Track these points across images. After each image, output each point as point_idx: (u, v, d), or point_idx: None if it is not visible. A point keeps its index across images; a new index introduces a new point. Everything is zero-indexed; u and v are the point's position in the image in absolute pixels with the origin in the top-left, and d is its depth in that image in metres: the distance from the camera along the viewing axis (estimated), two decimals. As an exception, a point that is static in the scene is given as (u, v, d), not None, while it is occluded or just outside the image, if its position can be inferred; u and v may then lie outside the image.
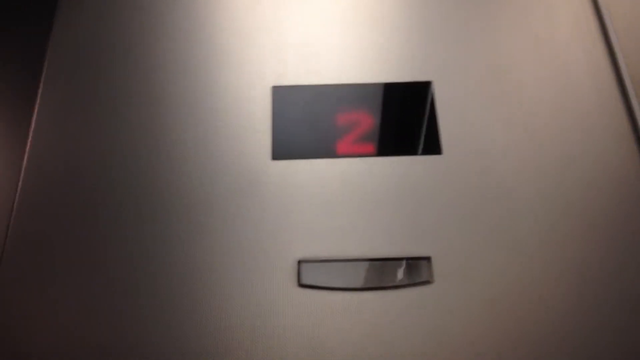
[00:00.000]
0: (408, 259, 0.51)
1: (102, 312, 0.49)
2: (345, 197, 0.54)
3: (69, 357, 0.48)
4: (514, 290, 0.50)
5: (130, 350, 0.48)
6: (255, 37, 0.63)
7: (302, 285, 0.50)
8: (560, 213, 0.53)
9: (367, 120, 0.59)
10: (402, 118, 0.59)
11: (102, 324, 0.49)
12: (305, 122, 0.59)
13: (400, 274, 0.51)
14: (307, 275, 0.51)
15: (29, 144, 0.57)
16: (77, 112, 0.59)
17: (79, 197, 0.54)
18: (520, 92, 0.59)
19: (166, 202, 0.54)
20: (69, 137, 0.57)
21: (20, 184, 0.55)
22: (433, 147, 0.57)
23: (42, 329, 0.49)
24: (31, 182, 0.55)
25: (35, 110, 0.59)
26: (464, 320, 0.49)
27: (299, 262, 0.51)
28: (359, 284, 0.50)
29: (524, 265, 0.51)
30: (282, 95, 0.60)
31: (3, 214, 0.54)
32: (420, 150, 0.57)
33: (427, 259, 0.51)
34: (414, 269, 0.51)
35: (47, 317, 0.50)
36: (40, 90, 0.60)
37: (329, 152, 0.57)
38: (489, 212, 0.53)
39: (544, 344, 0.48)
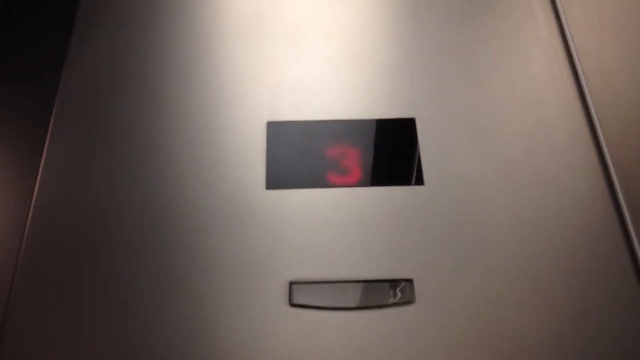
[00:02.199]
0: (392, 280, 0.54)
1: (103, 341, 0.52)
2: (334, 224, 0.57)
3: None
4: (490, 311, 0.53)
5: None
6: (252, 76, 0.66)
7: (293, 305, 0.53)
8: (533, 238, 0.57)
9: (355, 153, 0.62)
10: (388, 151, 0.63)
11: (104, 353, 0.51)
12: (298, 155, 0.62)
13: (384, 294, 0.54)
14: (297, 295, 0.53)
15: (37, 183, 0.59)
16: (84, 149, 0.62)
17: (84, 222, 0.57)
18: (496, 128, 0.63)
19: (168, 228, 0.57)
20: (75, 171, 0.60)
21: (28, 223, 0.57)
22: (416, 178, 0.60)
23: None
24: (39, 221, 0.57)
25: (44, 152, 0.61)
26: (443, 337, 0.52)
27: (291, 283, 0.54)
28: (346, 303, 0.53)
29: (500, 287, 0.54)
30: (276, 130, 0.63)
31: (12, 251, 0.57)
32: (404, 181, 0.60)
33: (410, 280, 0.54)
34: (397, 290, 0.54)
35: (56, 350, 0.52)
36: (49, 133, 0.63)
37: (319, 182, 0.60)
38: (466, 238, 0.57)
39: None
